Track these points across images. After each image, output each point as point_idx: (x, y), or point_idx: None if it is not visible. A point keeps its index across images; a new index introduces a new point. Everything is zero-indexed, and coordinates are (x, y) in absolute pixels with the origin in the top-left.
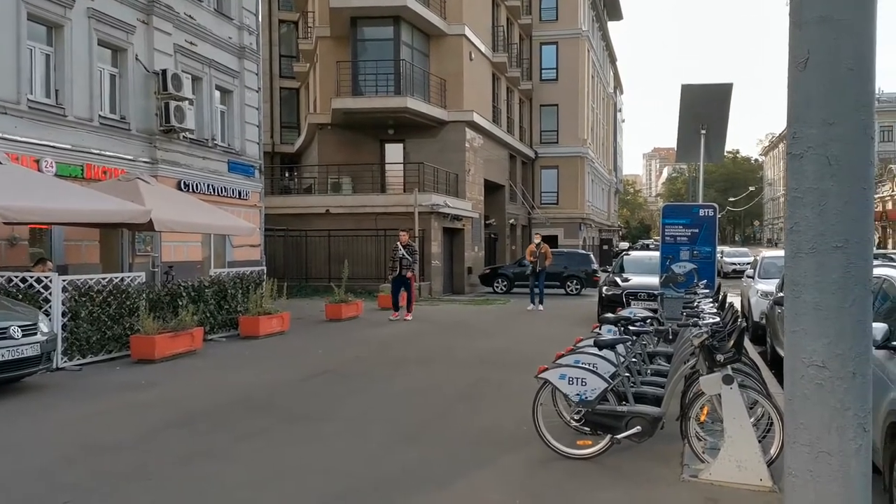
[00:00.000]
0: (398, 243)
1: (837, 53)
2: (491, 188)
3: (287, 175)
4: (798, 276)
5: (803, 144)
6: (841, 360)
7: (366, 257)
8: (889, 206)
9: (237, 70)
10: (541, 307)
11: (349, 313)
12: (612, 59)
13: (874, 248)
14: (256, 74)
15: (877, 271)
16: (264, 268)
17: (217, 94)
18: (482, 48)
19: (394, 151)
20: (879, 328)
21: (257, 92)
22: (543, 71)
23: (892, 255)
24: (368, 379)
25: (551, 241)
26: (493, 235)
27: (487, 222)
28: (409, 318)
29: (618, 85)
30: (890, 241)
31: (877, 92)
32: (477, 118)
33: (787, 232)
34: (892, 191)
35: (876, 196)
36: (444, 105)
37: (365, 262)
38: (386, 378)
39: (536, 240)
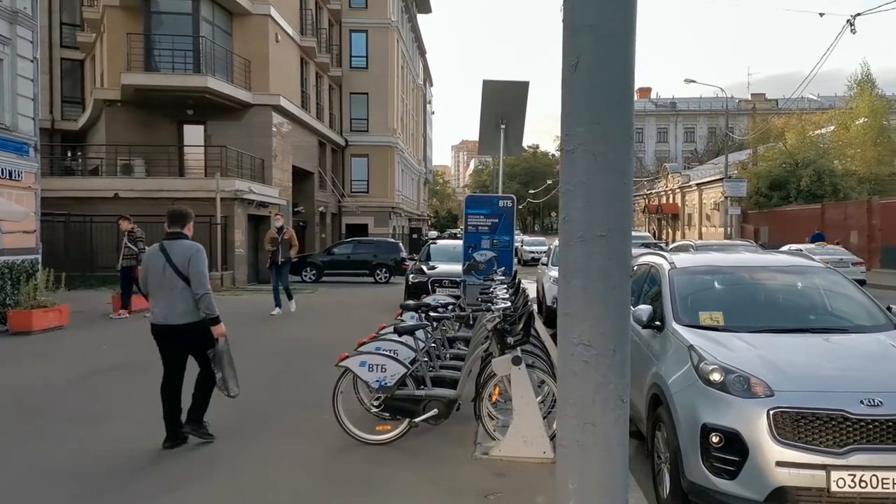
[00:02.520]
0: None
1: (604, 59)
2: (300, 175)
3: (70, 155)
4: (569, 262)
5: (574, 141)
6: (604, 339)
7: None
8: (664, 200)
9: (8, 37)
10: (292, 306)
11: (140, 305)
12: (422, 52)
13: (654, 238)
14: (32, 42)
15: (645, 259)
16: (39, 256)
17: None
18: (289, 30)
19: (194, 134)
20: (645, 310)
21: (33, 62)
22: (354, 59)
23: (662, 245)
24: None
25: (362, 229)
26: (301, 223)
27: (296, 210)
28: (121, 314)
29: (427, 77)
30: (664, 231)
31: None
32: (284, 102)
33: (561, 222)
34: (667, 187)
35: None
36: (249, 87)
37: None
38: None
39: (278, 222)
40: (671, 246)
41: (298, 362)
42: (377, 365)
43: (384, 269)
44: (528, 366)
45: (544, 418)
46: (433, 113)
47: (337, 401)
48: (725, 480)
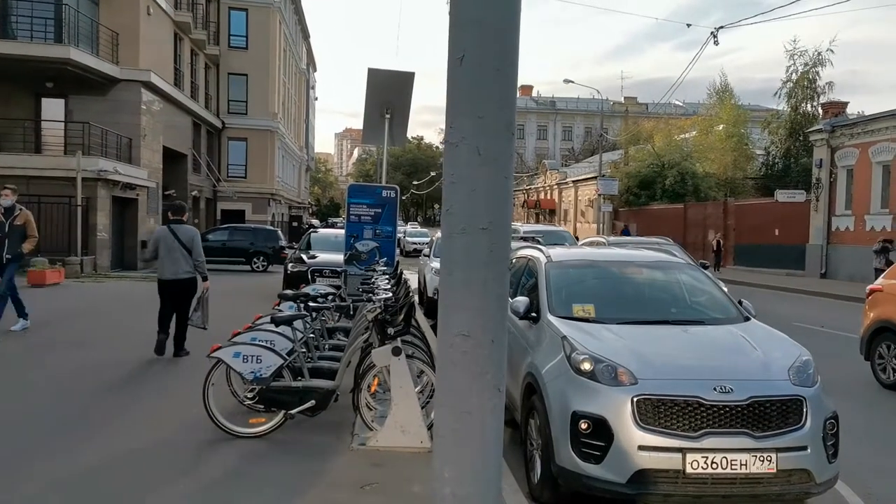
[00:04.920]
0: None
1: (488, 54)
2: (172, 157)
3: None
4: (451, 254)
5: (458, 134)
6: (483, 330)
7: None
8: (542, 195)
9: None
10: (19, 325)
11: None
12: (306, 35)
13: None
14: None
15: (523, 252)
16: None
17: None
18: (162, 3)
19: (53, 108)
20: (522, 301)
21: None
22: (232, 38)
23: (539, 238)
24: (5, 364)
25: (239, 215)
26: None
27: (167, 193)
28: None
29: (311, 62)
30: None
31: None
32: (155, 79)
33: (444, 214)
34: (545, 183)
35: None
36: (117, 61)
37: None
38: (36, 363)
39: (4, 200)
40: (583, 241)
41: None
42: (252, 356)
43: (262, 258)
44: (407, 356)
45: (422, 408)
46: (316, 99)
47: (207, 393)
48: (592, 465)
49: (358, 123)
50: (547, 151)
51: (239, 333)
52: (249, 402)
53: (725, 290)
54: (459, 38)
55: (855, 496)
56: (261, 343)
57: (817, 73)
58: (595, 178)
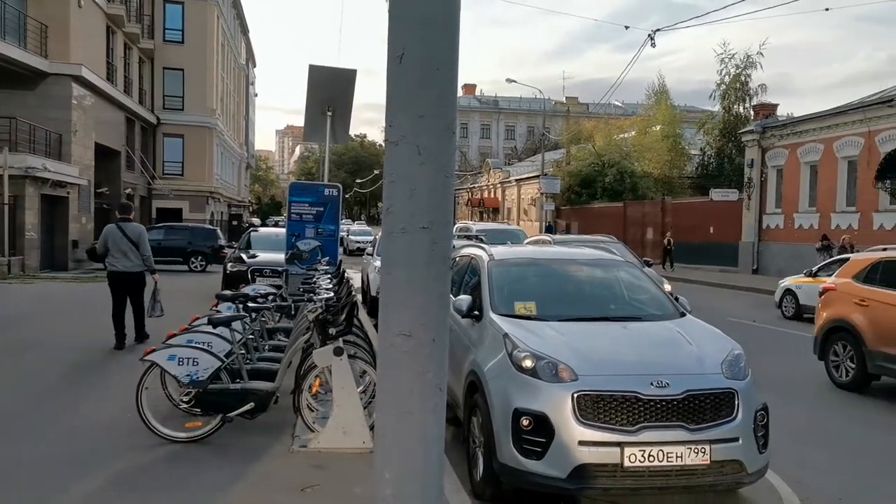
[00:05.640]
0: None
1: (428, 52)
2: (104, 153)
3: None
4: (392, 253)
5: (398, 133)
6: (424, 329)
7: None
8: (486, 194)
9: None
10: None
11: None
12: (245, 30)
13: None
14: None
15: (467, 251)
16: None
17: None
18: None
19: None
20: (465, 300)
21: None
22: (168, 31)
23: (482, 237)
24: None
25: (175, 214)
26: (105, 206)
27: (99, 191)
28: None
29: (251, 57)
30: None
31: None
32: (87, 73)
33: (384, 213)
34: (489, 181)
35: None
36: (46, 54)
37: None
38: None
39: None
40: (529, 239)
41: (96, 356)
42: (188, 358)
43: (200, 257)
44: (350, 356)
45: (365, 408)
46: (256, 95)
47: (141, 397)
48: (533, 461)
49: (299, 121)
50: (490, 150)
51: (174, 335)
52: (186, 406)
53: (669, 288)
54: (399, 35)
55: (784, 485)
56: (197, 345)
57: (749, 75)
58: (537, 176)
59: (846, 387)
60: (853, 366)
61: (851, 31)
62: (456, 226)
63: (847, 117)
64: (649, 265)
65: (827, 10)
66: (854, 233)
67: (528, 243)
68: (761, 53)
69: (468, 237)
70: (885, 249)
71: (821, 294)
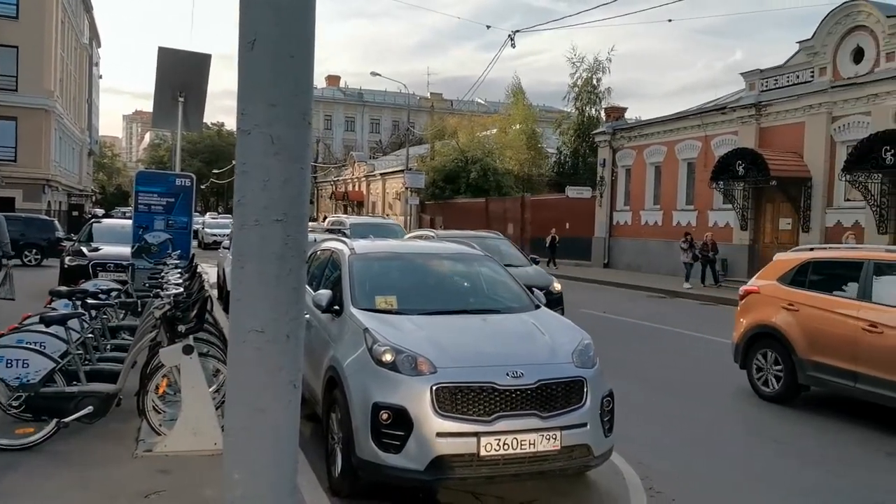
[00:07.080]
0: None
1: (282, 39)
2: None
3: None
4: (244, 247)
5: (251, 122)
6: (277, 325)
7: None
8: (350, 187)
9: None
10: None
11: None
12: (88, 7)
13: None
14: None
15: (327, 245)
16: None
17: None
18: None
19: None
20: (325, 295)
21: None
22: (1, 5)
23: (346, 231)
24: None
25: (7, 203)
26: None
27: None
28: None
29: (95, 37)
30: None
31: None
32: None
33: (236, 205)
34: (353, 175)
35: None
36: None
37: None
38: None
39: None
40: (410, 234)
41: None
42: (17, 360)
43: (34, 250)
44: (201, 354)
45: (218, 409)
46: (101, 77)
47: None
48: (392, 455)
49: (149, 106)
50: (355, 143)
51: (3, 335)
52: (15, 411)
53: (559, 287)
54: (250, 20)
55: (627, 465)
56: (28, 345)
57: (598, 79)
58: (402, 171)
59: (774, 399)
60: (780, 375)
61: (692, 42)
62: (328, 219)
63: (687, 122)
64: (536, 263)
65: (670, 20)
66: (693, 229)
67: (409, 238)
68: (609, 59)
69: (341, 232)
70: (811, 249)
71: (741, 297)
